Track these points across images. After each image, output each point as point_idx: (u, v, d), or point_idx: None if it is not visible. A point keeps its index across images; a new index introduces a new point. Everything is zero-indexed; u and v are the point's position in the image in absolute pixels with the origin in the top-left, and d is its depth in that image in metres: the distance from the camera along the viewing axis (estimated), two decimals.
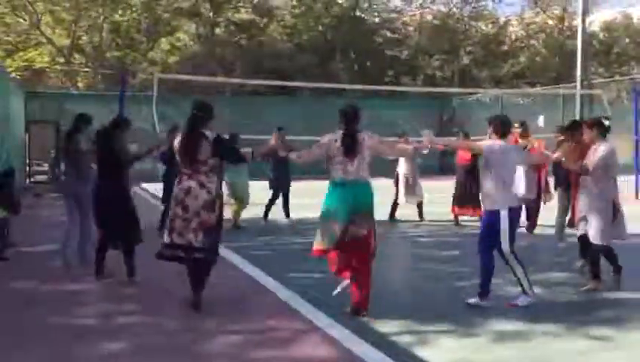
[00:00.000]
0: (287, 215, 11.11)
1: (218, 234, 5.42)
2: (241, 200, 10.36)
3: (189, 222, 5.23)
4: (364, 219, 5.16)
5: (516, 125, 8.75)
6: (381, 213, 9.20)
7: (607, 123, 6.34)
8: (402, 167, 10.92)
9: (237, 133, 10.17)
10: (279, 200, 11.11)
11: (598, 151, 6.05)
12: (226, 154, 5.49)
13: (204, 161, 5.27)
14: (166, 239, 5.35)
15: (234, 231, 9.80)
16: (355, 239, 5.15)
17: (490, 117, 5.92)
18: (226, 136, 7.56)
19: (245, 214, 10.54)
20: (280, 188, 11.01)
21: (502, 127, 5.62)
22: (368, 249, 5.24)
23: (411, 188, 10.88)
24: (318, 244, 5.29)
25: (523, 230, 8.27)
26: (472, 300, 5.55)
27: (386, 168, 10.33)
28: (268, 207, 11.02)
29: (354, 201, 5.14)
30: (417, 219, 11.02)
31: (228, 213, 9.26)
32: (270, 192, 11.02)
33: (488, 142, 5.71)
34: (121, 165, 6.47)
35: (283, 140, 10.54)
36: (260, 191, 10.99)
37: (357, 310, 5.17)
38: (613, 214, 6.08)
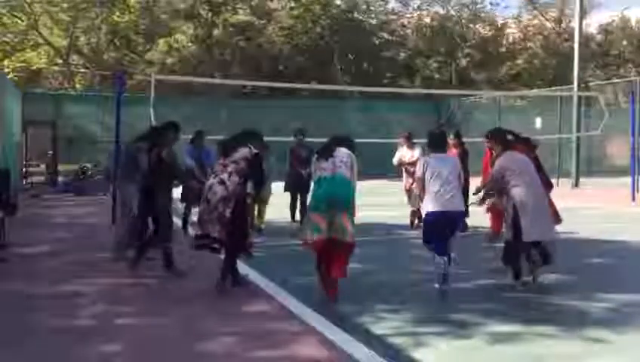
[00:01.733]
0: (301, 221, 10.11)
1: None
2: (262, 200, 9.91)
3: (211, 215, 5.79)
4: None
5: (451, 136, 9.47)
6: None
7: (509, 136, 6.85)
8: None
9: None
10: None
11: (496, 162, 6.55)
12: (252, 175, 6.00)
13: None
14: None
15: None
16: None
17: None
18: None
19: None
20: (296, 192, 10.46)
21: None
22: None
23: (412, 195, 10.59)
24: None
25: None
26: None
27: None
28: (291, 209, 10.61)
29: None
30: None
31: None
32: (288, 195, 10.56)
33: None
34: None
35: (301, 143, 10.50)
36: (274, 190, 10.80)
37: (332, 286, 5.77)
38: (515, 216, 6.24)
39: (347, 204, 5.76)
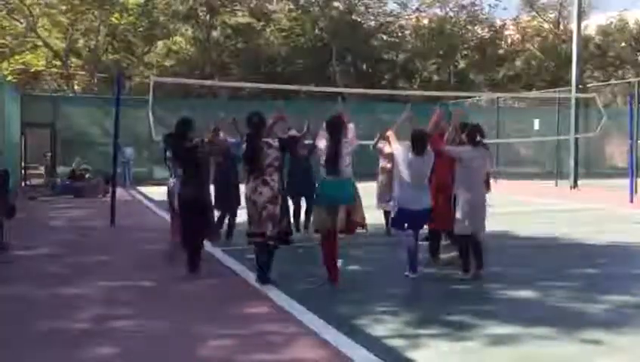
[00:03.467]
0: (305, 226, 9.52)
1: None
2: None
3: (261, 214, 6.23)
4: None
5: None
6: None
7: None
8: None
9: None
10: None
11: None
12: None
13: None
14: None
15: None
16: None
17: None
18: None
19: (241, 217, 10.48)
20: (300, 196, 9.56)
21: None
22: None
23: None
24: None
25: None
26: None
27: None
28: (294, 216, 9.37)
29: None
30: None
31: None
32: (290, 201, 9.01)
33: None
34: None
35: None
36: None
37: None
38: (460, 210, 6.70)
39: (351, 201, 6.42)
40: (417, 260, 6.81)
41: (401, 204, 6.68)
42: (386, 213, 9.27)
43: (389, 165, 9.38)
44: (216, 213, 8.71)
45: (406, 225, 6.78)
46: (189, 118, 7.26)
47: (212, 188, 7.90)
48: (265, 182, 6.19)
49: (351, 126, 6.69)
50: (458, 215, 6.67)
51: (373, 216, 8.50)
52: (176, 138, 6.95)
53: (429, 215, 6.78)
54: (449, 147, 6.97)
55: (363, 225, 6.58)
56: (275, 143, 6.31)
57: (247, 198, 6.28)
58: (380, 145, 8.67)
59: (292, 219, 9.74)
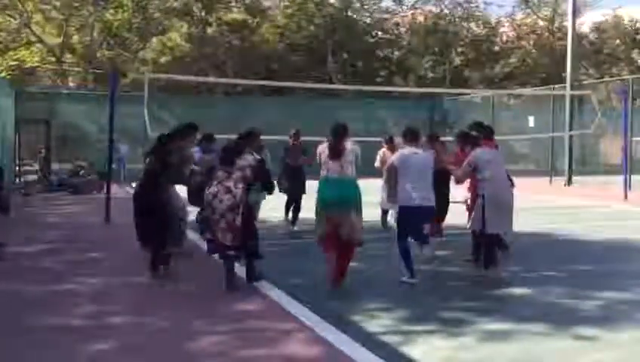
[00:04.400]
0: (293, 222, 10.36)
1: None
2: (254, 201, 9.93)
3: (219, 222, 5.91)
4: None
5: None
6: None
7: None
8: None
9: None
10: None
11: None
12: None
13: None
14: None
15: None
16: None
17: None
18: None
19: None
20: (292, 195, 10.39)
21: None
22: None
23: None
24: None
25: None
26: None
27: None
28: (286, 208, 10.52)
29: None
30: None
31: None
32: (285, 196, 10.47)
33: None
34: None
35: (296, 144, 10.50)
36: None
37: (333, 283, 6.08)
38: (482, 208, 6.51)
39: (356, 204, 6.10)
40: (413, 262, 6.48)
41: (404, 202, 6.42)
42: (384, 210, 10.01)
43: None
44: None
45: (410, 239, 6.53)
46: (166, 134, 7.05)
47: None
48: (228, 189, 5.89)
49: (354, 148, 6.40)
50: (487, 214, 6.46)
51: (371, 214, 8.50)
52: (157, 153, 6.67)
53: (433, 213, 6.61)
54: (461, 170, 6.79)
55: (360, 244, 6.29)
56: (253, 163, 6.06)
57: (207, 204, 5.97)
58: (378, 164, 9.31)
59: (284, 213, 10.55)
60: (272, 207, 10.96)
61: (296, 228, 10.17)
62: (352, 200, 6.12)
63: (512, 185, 7.02)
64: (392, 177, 6.54)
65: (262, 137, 8.30)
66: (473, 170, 6.66)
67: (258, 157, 6.30)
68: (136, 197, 6.69)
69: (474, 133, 7.30)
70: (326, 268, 6.27)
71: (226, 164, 6.05)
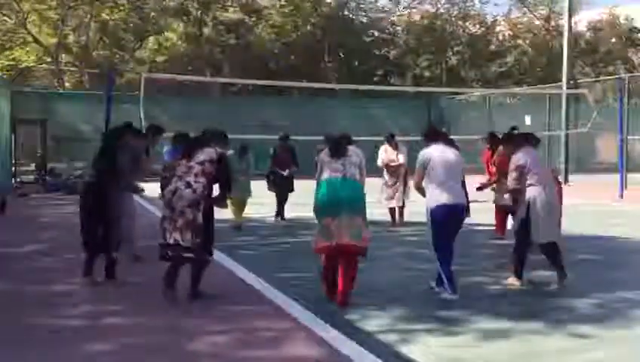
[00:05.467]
0: (281, 217, 11.00)
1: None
2: (240, 201, 9.95)
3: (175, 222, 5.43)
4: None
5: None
6: None
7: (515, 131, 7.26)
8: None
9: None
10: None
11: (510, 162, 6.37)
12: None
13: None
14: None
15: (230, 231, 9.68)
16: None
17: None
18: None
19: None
20: (280, 194, 10.98)
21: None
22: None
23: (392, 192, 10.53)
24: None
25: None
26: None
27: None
28: (277, 208, 11.07)
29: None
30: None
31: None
32: (273, 194, 11.11)
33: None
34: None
35: (284, 146, 11.09)
36: (258, 188, 10.80)
37: (341, 298, 5.51)
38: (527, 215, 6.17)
39: (360, 207, 5.63)
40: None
41: (436, 202, 5.86)
42: (391, 209, 10.46)
43: (392, 164, 10.05)
44: None
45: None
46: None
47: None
48: (188, 184, 5.43)
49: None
50: (534, 219, 6.13)
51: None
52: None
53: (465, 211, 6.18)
54: (511, 180, 6.33)
55: (364, 253, 5.69)
56: (214, 156, 5.56)
57: (167, 203, 5.46)
58: (380, 163, 9.47)
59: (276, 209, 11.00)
60: (261, 203, 11.06)
61: (284, 223, 10.80)
62: (356, 203, 5.60)
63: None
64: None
65: (258, 136, 8.34)
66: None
67: (220, 150, 5.66)
68: (83, 194, 6.58)
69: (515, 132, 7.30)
70: (321, 274, 5.81)
71: (184, 157, 5.63)
